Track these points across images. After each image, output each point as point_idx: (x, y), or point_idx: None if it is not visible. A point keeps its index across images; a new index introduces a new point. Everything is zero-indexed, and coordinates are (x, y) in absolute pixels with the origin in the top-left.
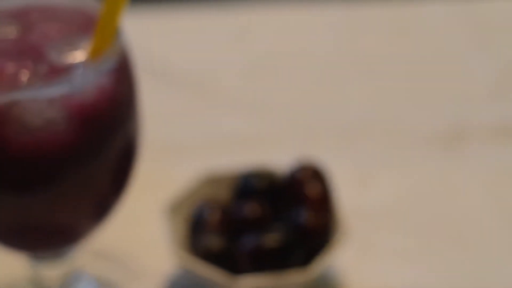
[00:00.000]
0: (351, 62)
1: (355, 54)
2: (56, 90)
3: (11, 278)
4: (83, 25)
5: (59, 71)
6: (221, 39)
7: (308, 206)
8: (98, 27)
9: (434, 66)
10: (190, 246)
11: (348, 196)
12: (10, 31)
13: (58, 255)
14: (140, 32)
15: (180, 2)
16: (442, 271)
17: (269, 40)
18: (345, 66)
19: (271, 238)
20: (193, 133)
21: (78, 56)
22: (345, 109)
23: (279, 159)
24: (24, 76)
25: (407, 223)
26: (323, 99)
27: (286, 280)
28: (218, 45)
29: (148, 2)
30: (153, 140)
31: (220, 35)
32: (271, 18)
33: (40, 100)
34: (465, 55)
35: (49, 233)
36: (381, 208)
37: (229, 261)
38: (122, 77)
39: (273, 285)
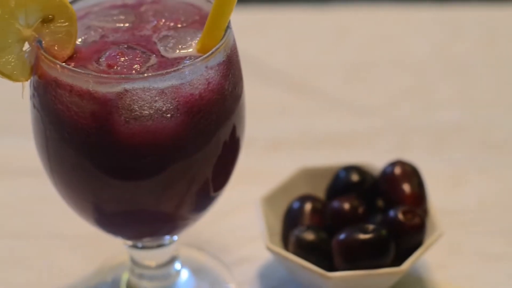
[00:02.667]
0: (446, 64)
1: (450, 56)
2: (166, 82)
3: (112, 262)
4: (194, 20)
5: (169, 63)
6: (321, 39)
7: (404, 204)
8: (209, 22)
9: None
10: (285, 238)
11: (440, 197)
12: (124, 22)
13: (158, 243)
14: (241, 29)
15: (281, 1)
16: None
17: (367, 41)
18: (441, 68)
19: (366, 234)
20: (291, 129)
21: (188, 49)
22: (440, 111)
23: (374, 157)
24: (136, 66)
25: (498, 226)
26: (418, 101)
27: (377, 275)
28: (317, 44)
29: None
30: (252, 135)
31: (320, 35)
32: (369, 18)
33: (150, 91)
34: None
35: (152, 222)
36: (472, 209)
37: (323, 254)
38: (229, 72)
39: (364, 280)
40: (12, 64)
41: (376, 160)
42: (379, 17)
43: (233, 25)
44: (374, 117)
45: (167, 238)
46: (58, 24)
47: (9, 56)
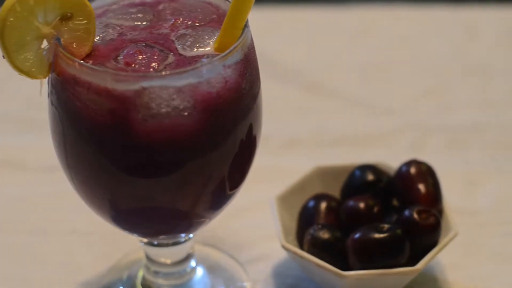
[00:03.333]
0: (463, 65)
1: (468, 56)
2: (183, 80)
3: (128, 259)
4: (212, 18)
5: (187, 62)
6: (338, 39)
7: (419, 203)
8: (226, 21)
9: None
10: (300, 237)
11: (456, 197)
12: (142, 21)
13: (173, 241)
14: (259, 28)
15: (299, 0)
16: None
17: (384, 41)
18: (458, 69)
19: (381, 233)
20: (307, 128)
21: (206, 48)
22: (456, 111)
23: (391, 157)
24: (154, 65)
25: None
26: (435, 101)
27: (392, 275)
28: (335, 44)
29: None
30: (268, 133)
31: (337, 34)
32: (387, 19)
33: (168, 89)
34: None
35: (168, 219)
36: (487, 210)
37: (338, 253)
38: (246, 71)
39: (379, 279)
40: (31, 61)
41: (392, 160)
42: (397, 17)
43: (251, 24)
44: (391, 117)
45: (182, 236)
46: (77, 22)
47: (28, 54)
